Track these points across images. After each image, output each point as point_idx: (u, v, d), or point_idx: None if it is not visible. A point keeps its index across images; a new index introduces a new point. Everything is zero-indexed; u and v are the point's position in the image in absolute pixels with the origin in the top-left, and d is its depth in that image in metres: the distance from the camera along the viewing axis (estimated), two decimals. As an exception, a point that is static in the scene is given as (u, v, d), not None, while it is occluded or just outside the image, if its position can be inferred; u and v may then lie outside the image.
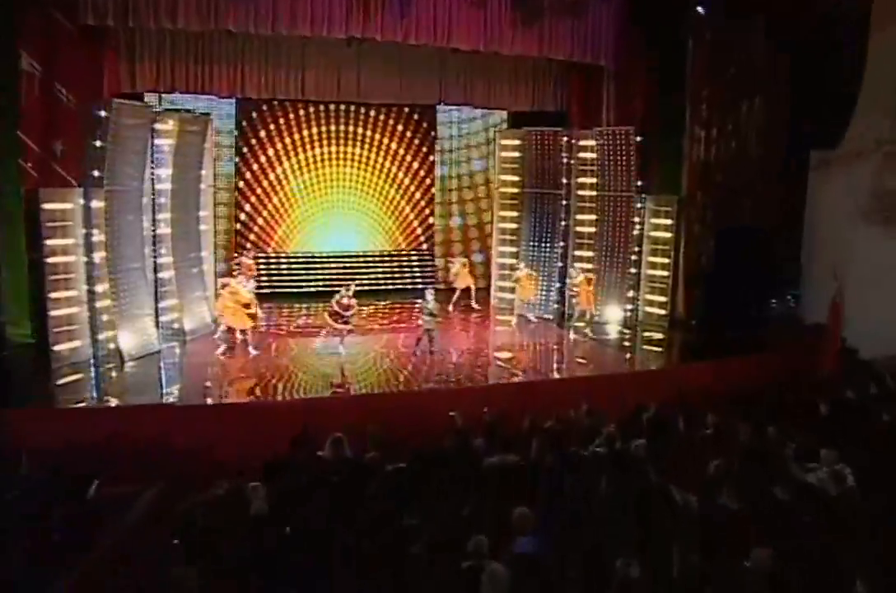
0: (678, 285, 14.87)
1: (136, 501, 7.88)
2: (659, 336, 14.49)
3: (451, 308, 16.16)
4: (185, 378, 11.59)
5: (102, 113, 11.28)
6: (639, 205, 14.90)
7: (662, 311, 14.91)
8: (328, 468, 7.36)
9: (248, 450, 8.39)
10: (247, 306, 12.49)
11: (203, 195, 14.40)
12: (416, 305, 12.82)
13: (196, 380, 11.43)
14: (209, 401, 10.55)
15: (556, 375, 12.10)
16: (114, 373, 11.39)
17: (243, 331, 12.60)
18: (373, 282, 17.97)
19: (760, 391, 10.66)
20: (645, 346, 14.19)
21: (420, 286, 18.07)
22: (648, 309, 15.13)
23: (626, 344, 14.32)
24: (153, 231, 12.84)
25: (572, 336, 14.16)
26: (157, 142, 12.74)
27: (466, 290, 16.41)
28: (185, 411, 9.71)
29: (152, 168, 12.72)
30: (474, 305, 16.37)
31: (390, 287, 18.18)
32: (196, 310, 13.46)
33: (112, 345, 11.72)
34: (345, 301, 12.45)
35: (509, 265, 16.63)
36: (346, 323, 12.63)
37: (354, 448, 7.82)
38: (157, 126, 12.71)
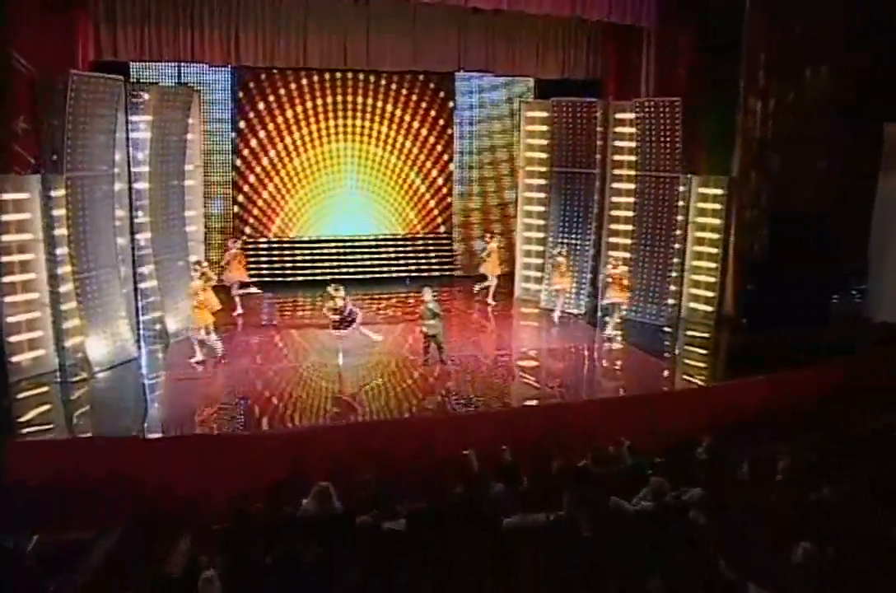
0: (727, 278, 13.20)
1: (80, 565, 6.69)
2: (705, 336, 12.85)
3: (490, 300, 14.68)
4: (153, 397, 10.18)
5: (59, 87, 9.69)
6: (683, 188, 13.25)
7: (709, 308, 13.25)
8: (308, 532, 6.01)
9: (220, 492, 7.14)
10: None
11: (189, 178, 12.88)
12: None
13: (166, 401, 10.10)
14: (174, 431, 9.06)
15: (588, 395, 10.49)
16: (81, 389, 9.98)
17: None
18: (384, 269, 16.56)
19: (830, 414, 9.25)
20: (689, 348, 12.52)
21: (437, 273, 16.76)
22: (693, 305, 13.48)
23: (667, 344, 12.73)
24: (131, 220, 11.35)
25: (606, 338, 12.54)
26: (132, 119, 11.17)
27: (484, 278, 14.80)
28: (147, 445, 8.33)
29: (127, 149, 11.17)
30: (489, 301, 14.75)
31: (403, 274, 16.61)
32: (182, 307, 11.91)
33: (80, 354, 10.32)
34: (338, 303, 10.88)
35: (535, 252, 15.01)
36: (350, 323, 11.14)
37: (344, 495, 6.52)
38: (132, 100, 11.11)
